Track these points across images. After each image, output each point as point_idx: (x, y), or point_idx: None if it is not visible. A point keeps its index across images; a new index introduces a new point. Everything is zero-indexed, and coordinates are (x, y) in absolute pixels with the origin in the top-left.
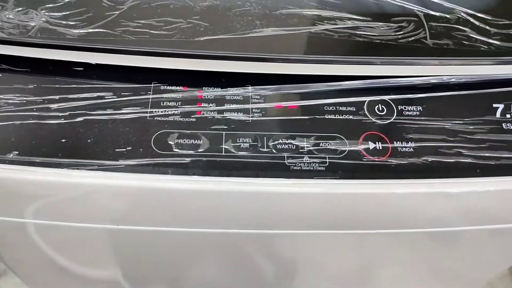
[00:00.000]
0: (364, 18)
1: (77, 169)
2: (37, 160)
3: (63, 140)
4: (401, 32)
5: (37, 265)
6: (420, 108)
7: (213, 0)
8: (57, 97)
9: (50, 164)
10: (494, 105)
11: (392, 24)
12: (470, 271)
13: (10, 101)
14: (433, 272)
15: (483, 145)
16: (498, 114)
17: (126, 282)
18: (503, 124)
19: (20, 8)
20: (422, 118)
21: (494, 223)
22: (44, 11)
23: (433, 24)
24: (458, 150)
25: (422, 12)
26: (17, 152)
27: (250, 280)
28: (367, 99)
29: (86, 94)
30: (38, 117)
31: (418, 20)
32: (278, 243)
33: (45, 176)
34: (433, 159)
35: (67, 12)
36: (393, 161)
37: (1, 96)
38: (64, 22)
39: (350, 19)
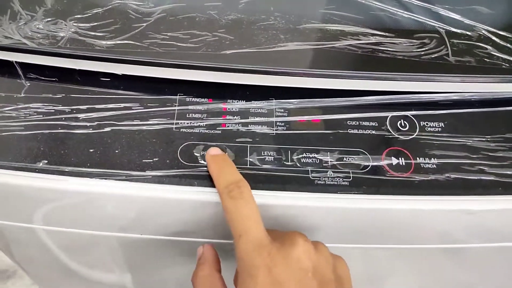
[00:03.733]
0: (387, 34)
1: (106, 179)
2: (66, 170)
3: (91, 150)
4: (424, 49)
5: (53, 267)
6: (442, 124)
7: (237, 13)
8: (85, 107)
9: (80, 173)
10: None
11: (414, 41)
12: (483, 285)
13: (38, 110)
14: (446, 285)
15: (505, 163)
16: None
17: (139, 286)
18: None
19: (50, 19)
20: (444, 134)
21: None
22: (73, 21)
23: (455, 41)
24: (480, 167)
25: (443, 29)
26: (46, 161)
27: None
28: (389, 114)
29: (113, 104)
30: (67, 127)
31: (439, 37)
32: None
33: (75, 185)
34: (456, 176)
35: (95, 23)
36: (416, 177)
37: (30, 105)
38: (92, 33)
39: (373, 34)
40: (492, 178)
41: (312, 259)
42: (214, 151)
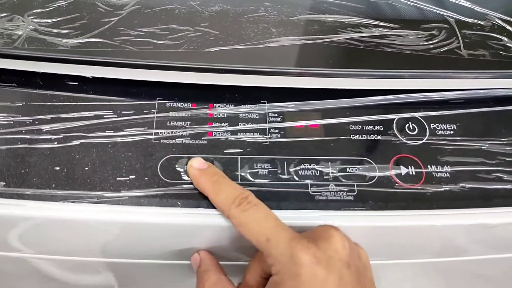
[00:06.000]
0: (391, 25)
1: (73, 202)
2: (28, 192)
3: (57, 168)
4: (433, 41)
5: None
6: (454, 127)
7: (223, 4)
8: (48, 116)
9: (43, 196)
10: None
11: (422, 32)
12: None
13: None
14: None
15: None
16: None
17: None
18: None
19: (4, 14)
20: (457, 138)
21: None
22: (32, 17)
23: (466, 32)
24: (497, 174)
25: (453, 18)
26: (4, 183)
27: None
28: (396, 116)
29: (81, 113)
30: (28, 141)
31: (449, 27)
32: None
33: (37, 211)
34: (471, 186)
35: (58, 19)
36: (428, 188)
37: None
38: (55, 31)
39: (376, 26)
40: (510, 186)
41: (347, 250)
42: (197, 163)
